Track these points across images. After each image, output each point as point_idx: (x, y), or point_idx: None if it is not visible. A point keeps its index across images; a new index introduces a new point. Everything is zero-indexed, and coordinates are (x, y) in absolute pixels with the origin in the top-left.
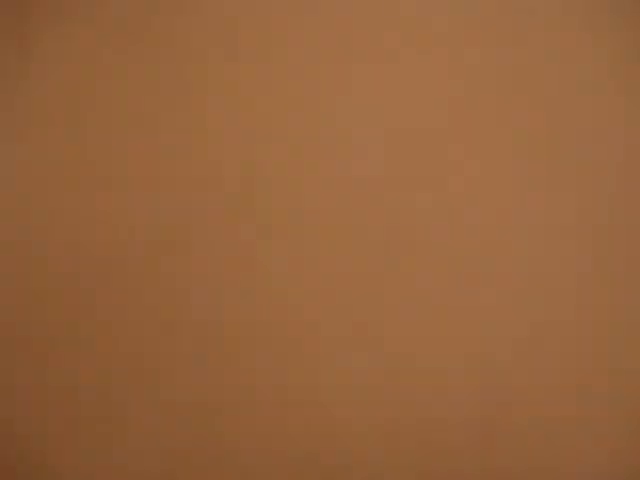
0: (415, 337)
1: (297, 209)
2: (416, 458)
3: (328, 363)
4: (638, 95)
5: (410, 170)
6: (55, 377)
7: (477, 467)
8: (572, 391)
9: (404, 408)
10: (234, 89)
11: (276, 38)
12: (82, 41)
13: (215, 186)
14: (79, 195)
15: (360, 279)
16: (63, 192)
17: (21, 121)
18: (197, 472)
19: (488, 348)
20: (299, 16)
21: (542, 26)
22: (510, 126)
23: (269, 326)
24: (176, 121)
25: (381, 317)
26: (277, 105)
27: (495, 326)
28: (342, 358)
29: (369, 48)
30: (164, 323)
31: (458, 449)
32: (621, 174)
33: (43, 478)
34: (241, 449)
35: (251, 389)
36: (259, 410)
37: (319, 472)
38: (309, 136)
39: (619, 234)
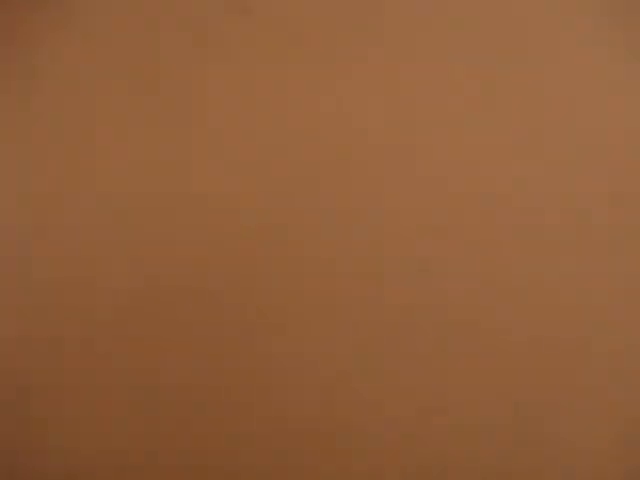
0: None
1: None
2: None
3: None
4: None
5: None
6: (58, 376)
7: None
8: (574, 391)
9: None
10: (236, 93)
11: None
12: (85, 46)
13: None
14: (81, 198)
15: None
16: (64, 198)
17: (23, 130)
18: (201, 468)
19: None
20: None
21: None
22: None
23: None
24: (180, 125)
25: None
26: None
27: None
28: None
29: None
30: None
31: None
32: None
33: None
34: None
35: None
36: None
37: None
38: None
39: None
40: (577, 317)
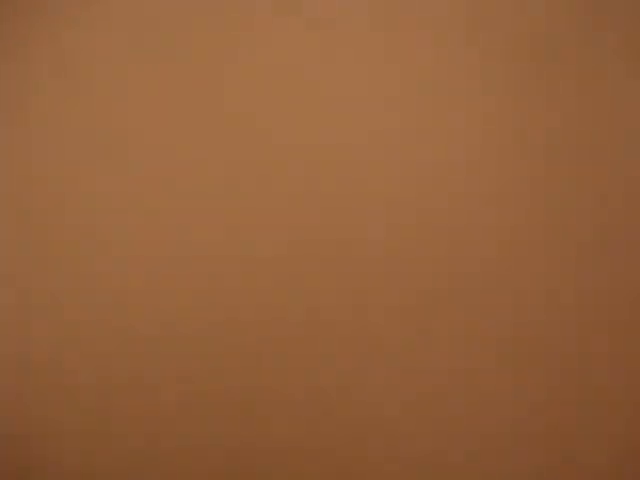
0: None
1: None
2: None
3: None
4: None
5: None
6: (57, 378)
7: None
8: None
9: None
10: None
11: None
12: (86, 48)
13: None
14: (80, 204)
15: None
16: (64, 205)
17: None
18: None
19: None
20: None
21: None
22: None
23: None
24: (182, 123)
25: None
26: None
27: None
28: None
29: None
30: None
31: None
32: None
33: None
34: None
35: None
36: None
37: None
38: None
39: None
40: (575, 317)
